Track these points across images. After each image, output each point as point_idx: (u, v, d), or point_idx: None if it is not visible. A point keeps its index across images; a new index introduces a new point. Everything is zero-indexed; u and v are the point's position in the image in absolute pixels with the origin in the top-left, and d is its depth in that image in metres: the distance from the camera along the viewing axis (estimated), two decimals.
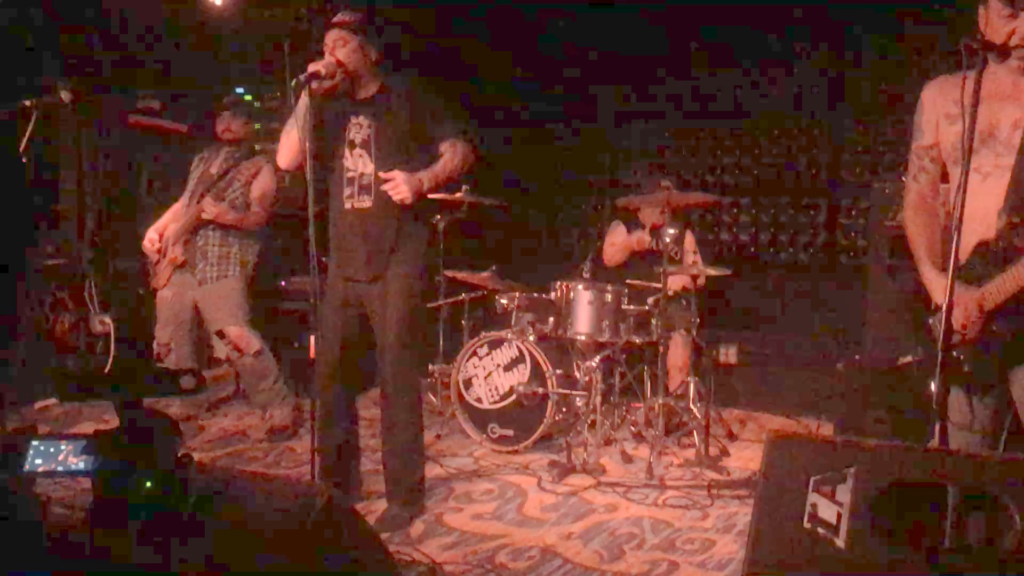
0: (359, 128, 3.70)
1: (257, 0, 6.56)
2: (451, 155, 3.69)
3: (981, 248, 2.51)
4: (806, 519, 1.83)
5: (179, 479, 1.66)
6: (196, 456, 4.57)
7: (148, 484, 1.58)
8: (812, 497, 1.84)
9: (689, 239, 5.77)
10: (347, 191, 3.71)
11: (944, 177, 2.73)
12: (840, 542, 1.79)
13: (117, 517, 1.59)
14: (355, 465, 4.02)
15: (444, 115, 3.74)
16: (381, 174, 3.60)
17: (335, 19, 3.69)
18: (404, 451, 3.82)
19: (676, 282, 5.47)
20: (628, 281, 5.14)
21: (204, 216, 4.70)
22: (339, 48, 3.62)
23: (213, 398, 5.49)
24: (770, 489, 1.90)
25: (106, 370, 5.99)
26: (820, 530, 1.81)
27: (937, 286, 2.58)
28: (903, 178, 4.92)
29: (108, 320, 6.01)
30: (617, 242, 5.80)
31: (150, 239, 4.88)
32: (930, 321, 2.65)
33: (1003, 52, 2.42)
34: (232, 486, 2.28)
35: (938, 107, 2.62)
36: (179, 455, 1.67)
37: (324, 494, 2.28)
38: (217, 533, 2.12)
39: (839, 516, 1.81)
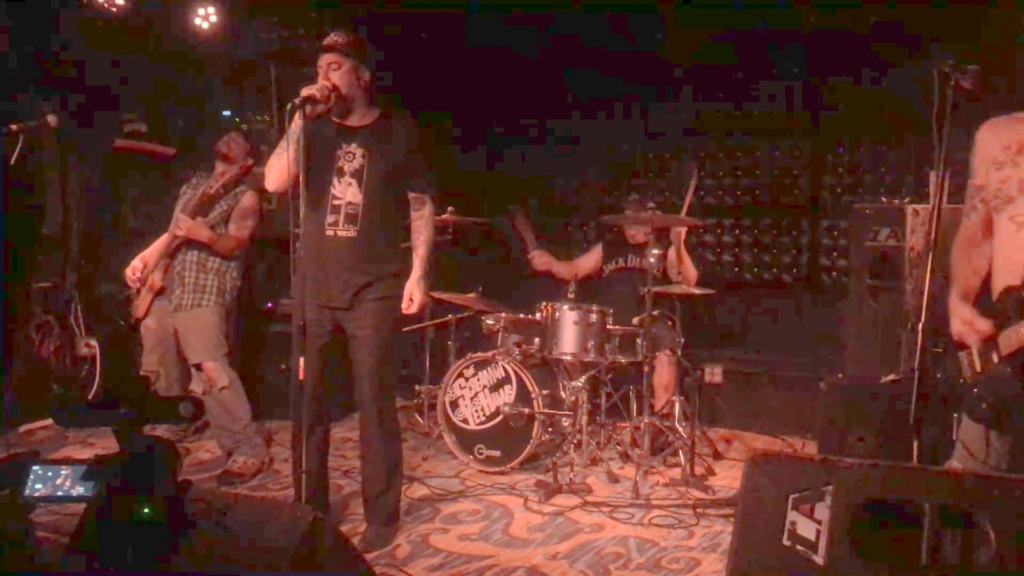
0: (351, 157, 3.71)
1: (244, 24, 6.59)
2: (426, 228, 3.87)
3: (1007, 294, 2.55)
4: (785, 537, 1.86)
5: (179, 504, 1.67)
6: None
7: (147, 511, 1.59)
8: (791, 515, 1.87)
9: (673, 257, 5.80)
10: (331, 218, 3.70)
11: None
12: (819, 559, 1.82)
13: (114, 542, 1.60)
14: (325, 487, 4.04)
15: (426, 165, 3.87)
16: (403, 307, 3.77)
17: (327, 42, 3.70)
18: (384, 475, 3.85)
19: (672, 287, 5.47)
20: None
21: (177, 233, 4.62)
22: (333, 71, 3.64)
23: (199, 422, 5.46)
24: (750, 507, 1.93)
25: (92, 394, 5.98)
26: (799, 547, 1.84)
27: (956, 316, 2.62)
28: (884, 199, 5.04)
29: (93, 343, 6.00)
30: (581, 265, 5.99)
31: (133, 267, 4.80)
32: (960, 355, 2.68)
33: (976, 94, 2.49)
34: (219, 508, 2.29)
35: (988, 150, 2.63)
36: (179, 480, 1.68)
37: (310, 515, 2.30)
38: (205, 555, 2.13)
39: (818, 534, 1.84)
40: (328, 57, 3.66)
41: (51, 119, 4.19)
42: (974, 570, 1.76)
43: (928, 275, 2.26)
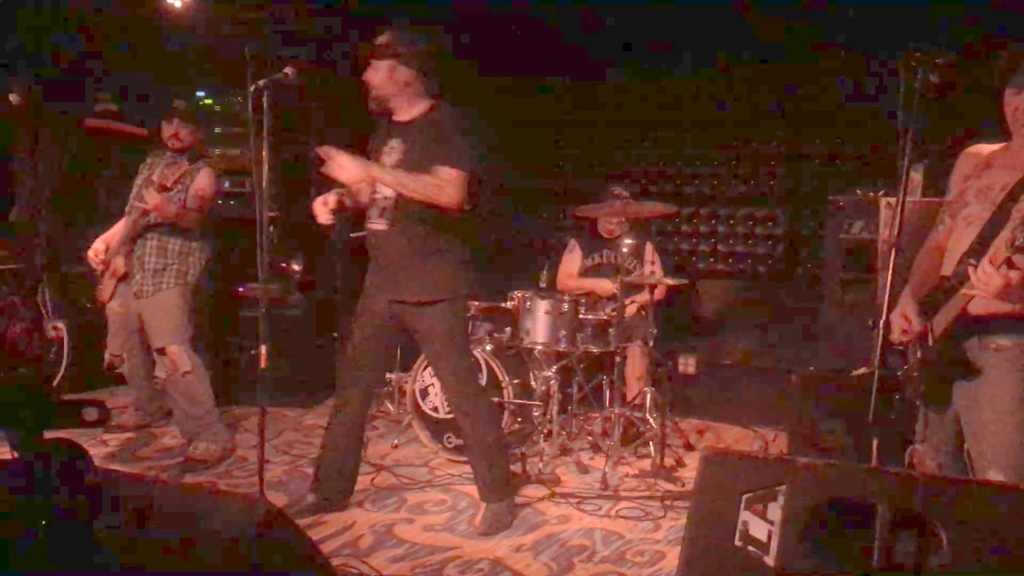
0: (391, 151, 3.73)
1: (218, 2, 6.49)
2: (433, 177, 3.52)
3: (942, 283, 2.73)
4: (737, 537, 1.83)
5: (86, 510, 1.58)
6: (145, 467, 4.51)
7: (44, 523, 1.50)
8: (744, 515, 1.84)
9: (649, 249, 5.78)
10: (371, 212, 3.78)
11: None
12: (770, 560, 1.79)
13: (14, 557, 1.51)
14: (354, 470, 4.09)
15: (454, 142, 3.59)
16: (320, 151, 3.51)
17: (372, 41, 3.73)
18: (486, 454, 3.92)
19: (638, 299, 5.45)
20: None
21: (145, 206, 4.53)
22: (370, 71, 3.69)
23: (167, 406, 5.39)
24: (703, 506, 1.90)
25: (59, 377, 5.92)
26: (751, 548, 1.81)
27: (899, 306, 2.80)
28: (859, 191, 5.02)
29: (61, 325, 5.92)
30: (574, 273, 5.82)
31: (95, 250, 4.75)
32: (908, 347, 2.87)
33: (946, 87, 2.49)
34: (168, 500, 2.24)
35: (964, 168, 2.85)
36: (86, 484, 1.58)
37: (264, 507, 2.25)
38: (150, 550, 2.08)
39: (770, 534, 1.81)
40: (367, 59, 3.73)
41: (13, 98, 4.10)
42: (927, 573, 1.73)
43: (891, 271, 2.24)
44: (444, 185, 3.51)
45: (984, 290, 2.43)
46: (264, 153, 3.56)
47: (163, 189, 4.50)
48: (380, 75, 3.67)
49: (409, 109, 3.75)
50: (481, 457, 3.93)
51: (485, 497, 3.93)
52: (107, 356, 5.01)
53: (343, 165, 3.44)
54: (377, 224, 3.74)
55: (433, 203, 3.53)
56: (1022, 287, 2.42)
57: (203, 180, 4.71)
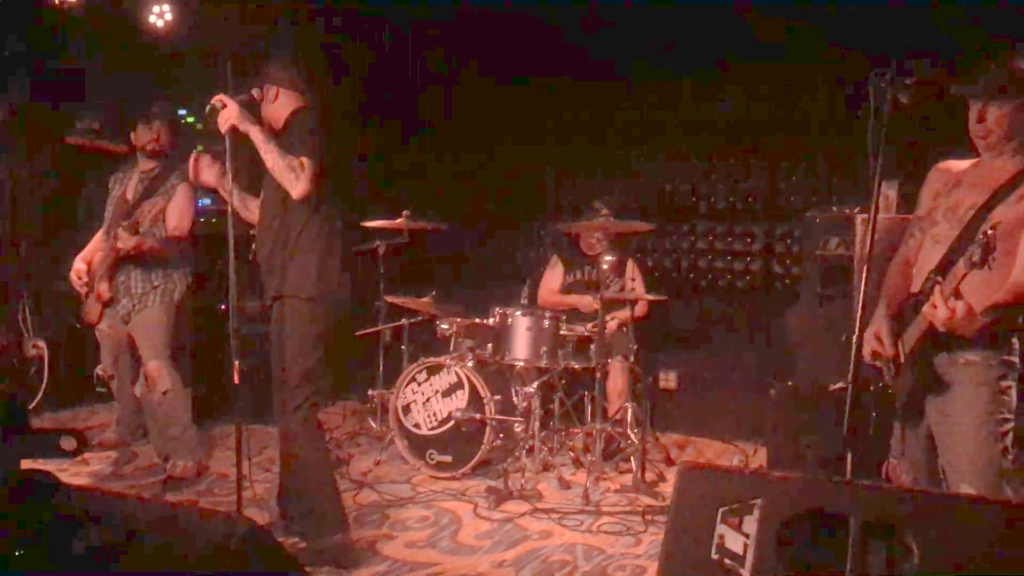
0: None
1: (200, 22, 6.50)
2: (296, 162, 3.48)
3: (910, 300, 2.80)
4: (713, 550, 1.86)
5: (63, 536, 1.58)
6: (127, 484, 4.48)
7: (19, 553, 1.51)
8: (720, 528, 1.87)
9: (630, 266, 5.82)
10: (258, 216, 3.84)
11: None
12: (746, 573, 1.82)
13: None
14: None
15: (301, 139, 3.56)
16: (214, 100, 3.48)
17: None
18: (298, 483, 3.71)
19: (620, 315, 5.50)
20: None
21: (120, 246, 4.46)
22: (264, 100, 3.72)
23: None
24: (680, 519, 1.93)
25: (39, 395, 5.89)
26: (727, 561, 1.84)
27: (872, 326, 2.86)
28: (835, 208, 5.08)
29: (41, 344, 5.91)
30: (555, 288, 5.87)
31: (77, 270, 4.69)
32: (879, 362, 2.91)
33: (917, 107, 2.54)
34: (150, 518, 2.24)
35: (935, 185, 2.92)
36: (62, 511, 1.59)
37: (244, 524, 2.26)
38: (134, 567, 2.08)
39: (745, 547, 1.84)
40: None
41: None
42: None
43: (863, 287, 2.29)
44: (301, 171, 3.47)
45: (933, 320, 2.52)
46: (228, 167, 3.50)
47: (137, 226, 4.46)
48: (267, 104, 3.71)
49: (280, 120, 3.74)
50: (293, 485, 3.72)
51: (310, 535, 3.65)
52: (98, 370, 5.01)
53: (229, 112, 3.41)
54: (256, 230, 3.79)
55: (283, 185, 3.50)
56: (968, 318, 2.50)
57: (182, 207, 4.66)
